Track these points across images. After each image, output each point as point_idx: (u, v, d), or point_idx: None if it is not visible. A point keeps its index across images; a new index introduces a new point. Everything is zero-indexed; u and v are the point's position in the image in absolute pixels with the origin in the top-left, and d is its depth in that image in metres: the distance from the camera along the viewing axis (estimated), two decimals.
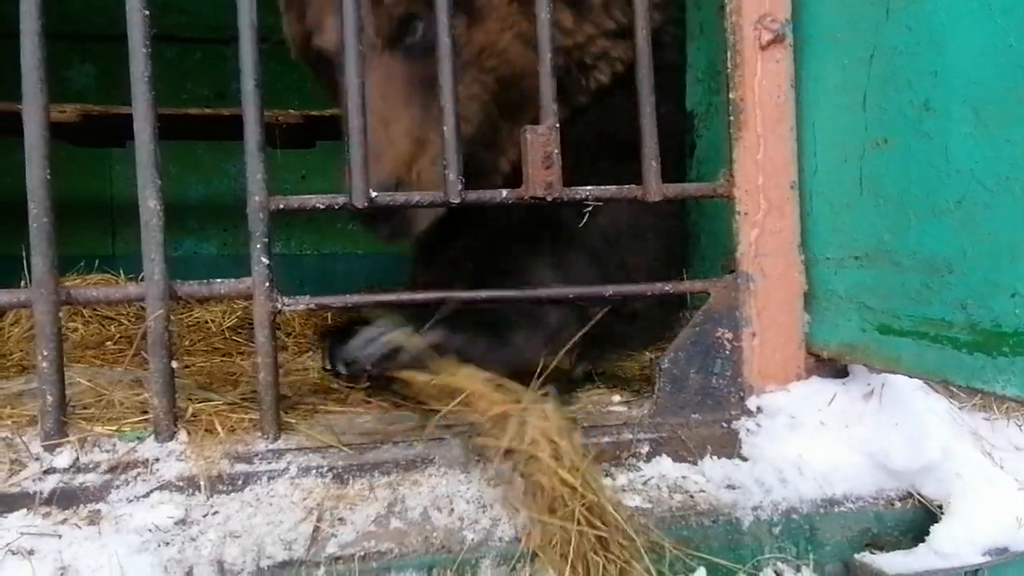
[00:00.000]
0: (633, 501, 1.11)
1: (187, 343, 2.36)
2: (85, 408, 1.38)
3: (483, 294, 1.30)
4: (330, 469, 1.17)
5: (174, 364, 1.18)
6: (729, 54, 1.35)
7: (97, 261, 2.92)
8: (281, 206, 1.24)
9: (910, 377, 1.24)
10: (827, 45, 1.36)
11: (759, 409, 1.31)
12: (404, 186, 1.52)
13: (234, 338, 2.41)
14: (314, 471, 1.17)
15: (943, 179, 1.09)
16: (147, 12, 1.19)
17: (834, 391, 1.31)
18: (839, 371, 1.38)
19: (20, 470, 1.09)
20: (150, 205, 1.18)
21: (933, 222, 1.13)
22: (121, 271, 2.92)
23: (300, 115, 3.15)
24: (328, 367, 1.56)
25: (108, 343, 2.32)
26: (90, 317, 2.44)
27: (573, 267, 1.47)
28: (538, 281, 1.40)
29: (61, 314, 1.16)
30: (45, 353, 1.14)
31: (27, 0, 1.14)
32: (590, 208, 1.34)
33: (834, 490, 1.23)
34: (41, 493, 1.08)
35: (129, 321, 2.46)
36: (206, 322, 2.53)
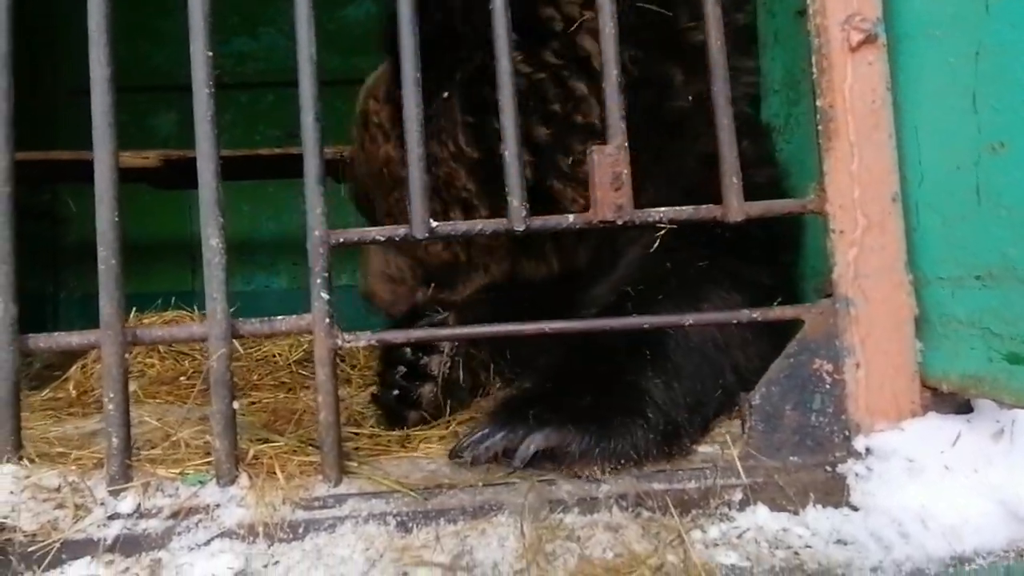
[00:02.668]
0: (728, 558, 0.98)
1: (255, 377, 2.38)
2: (153, 448, 1.37)
3: (549, 326, 1.22)
4: (394, 516, 1.10)
5: (235, 406, 1.15)
6: (814, 59, 1.23)
7: (173, 299, 3.03)
8: (341, 240, 1.20)
9: None
10: (926, 43, 1.23)
11: (868, 451, 1.16)
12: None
13: (300, 371, 2.43)
14: (377, 518, 1.10)
15: None
16: (210, 53, 1.19)
17: (958, 429, 1.15)
18: (960, 405, 1.21)
19: (85, 516, 1.07)
20: (212, 244, 1.16)
21: None
22: (196, 307, 3.01)
23: None
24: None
25: (182, 378, 2.37)
26: (165, 353, 2.50)
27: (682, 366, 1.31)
28: (644, 388, 1.26)
29: (132, 353, 1.15)
30: (111, 395, 1.13)
31: (96, 49, 1.16)
32: (663, 232, 1.24)
33: (964, 546, 1.06)
34: (105, 540, 1.05)
35: (203, 356, 2.51)
36: (274, 356, 2.55)
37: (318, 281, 1.16)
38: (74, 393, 2.29)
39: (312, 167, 1.18)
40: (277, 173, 3.74)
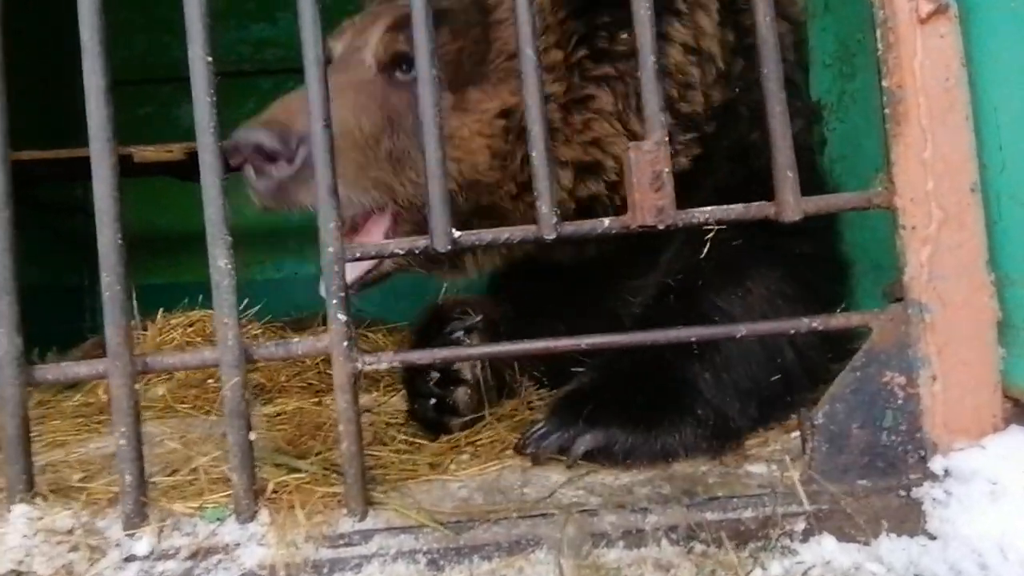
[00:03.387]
0: None
1: (283, 378, 2.33)
2: (172, 473, 1.31)
3: (585, 342, 1.12)
4: (424, 553, 1.03)
5: (252, 436, 1.08)
6: (879, 32, 1.09)
7: (200, 296, 2.99)
8: (358, 254, 1.12)
9: None
10: (1001, 16, 1.09)
11: (947, 472, 1.04)
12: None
13: (327, 371, 2.36)
14: (406, 556, 1.02)
15: None
16: (210, 59, 1.11)
17: None
18: None
19: (100, 558, 1.02)
20: (220, 265, 1.08)
21: None
22: None
23: None
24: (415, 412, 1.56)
25: (209, 380, 2.33)
26: None
27: (729, 364, 1.30)
28: (690, 378, 1.29)
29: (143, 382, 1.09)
30: (123, 429, 1.06)
31: (90, 58, 1.07)
32: (712, 234, 1.13)
33: None
34: None
35: None
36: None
37: (334, 301, 1.08)
38: (104, 397, 2.26)
39: (324, 177, 1.08)
40: None
